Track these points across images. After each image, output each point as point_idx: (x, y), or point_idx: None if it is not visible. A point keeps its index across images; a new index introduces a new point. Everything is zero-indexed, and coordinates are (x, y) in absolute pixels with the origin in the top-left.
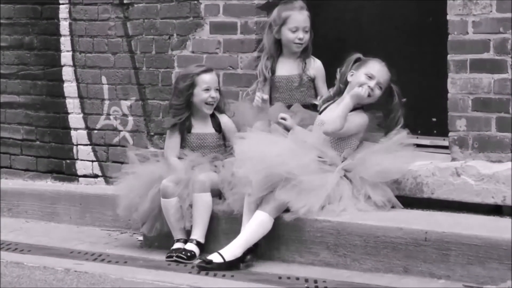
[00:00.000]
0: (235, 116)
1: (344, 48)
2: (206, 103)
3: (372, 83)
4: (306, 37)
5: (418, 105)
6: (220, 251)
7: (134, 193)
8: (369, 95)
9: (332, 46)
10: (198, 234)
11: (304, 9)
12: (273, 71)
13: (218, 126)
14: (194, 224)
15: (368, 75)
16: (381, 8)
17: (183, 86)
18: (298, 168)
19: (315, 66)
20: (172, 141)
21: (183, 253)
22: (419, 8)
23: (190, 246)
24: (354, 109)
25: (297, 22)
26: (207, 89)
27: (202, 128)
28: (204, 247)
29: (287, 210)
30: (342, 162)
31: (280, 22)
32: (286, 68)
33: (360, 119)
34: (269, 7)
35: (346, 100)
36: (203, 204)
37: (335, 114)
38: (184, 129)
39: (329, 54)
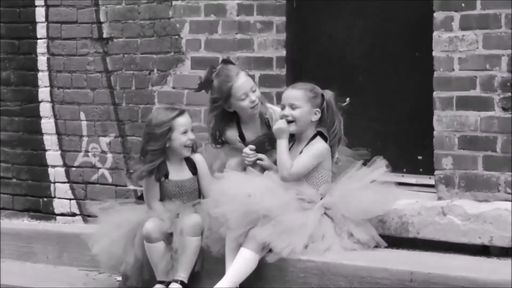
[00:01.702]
0: (206, 157)
1: (326, 84)
2: (185, 146)
3: (286, 111)
4: (257, 94)
5: (403, 143)
6: None
7: (114, 248)
8: (290, 121)
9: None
10: (183, 274)
11: (239, 71)
12: (242, 137)
13: (193, 168)
14: (180, 265)
15: (281, 107)
16: (367, 43)
17: (160, 132)
18: (277, 206)
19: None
20: (152, 189)
21: None
22: (406, 44)
23: (175, 286)
24: (313, 137)
25: (243, 88)
26: (185, 132)
27: (179, 174)
28: None
29: (270, 250)
30: (321, 199)
31: (225, 95)
32: (252, 132)
33: (315, 148)
34: (206, 86)
35: (277, 142)
36: (193, 248)
37: (278, 162)
38: (160, 175)
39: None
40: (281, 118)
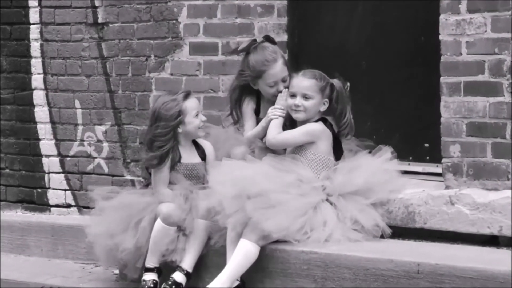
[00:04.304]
0: (210, 141)
1: (329, 70)
2: (199, 128)
3: (297, 101)
4: (286, 84)
5: (409, 130)
6: (208, 286)
7: (112, 229)
8: (297, 110)
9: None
10: (190, 263)
11: (278, 58)
12: (257, 111)
13: (202, 154)
14: (188, 251)
15: (289, 94)
16: (371, 27)
17: (170, 115)
18: (274, 189)
19: None
20: (163, 175)
21: (174, 287)
22: (411, 28)
23: (180, 277)
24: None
25: (274, 77)
26: (197, 114)
27: (189, 158)
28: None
29: (274, 242)
30: (322, 185)
31: (255, 75)
32: (267, 110)
33: (307, 125)
34: (240, 53)
35: (271, 122)
36: (204, 232)
37: (268, 129)
38: (175, 159)
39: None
40: (292, 108)
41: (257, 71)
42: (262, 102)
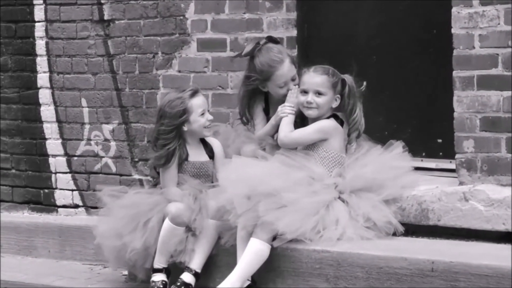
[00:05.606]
0: (221, 139)
1: (339, 65)
2: (205, 127)
3: (309, 98)
4: (295, 83)
5: (422, 126)
6: (218, 287)
7: (119, 228)
8: (309, 107)
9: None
10: (198, 263)
11: (285, 57)
12: (266, 111)
13: (210, 152)
14: (197, 251)
15: (301, 91)
16: (381, 21)
17: (174, 113)
18: (285, 187)
19: None
20: (171, 174)
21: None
22: (422, 21)
23: (188, 278)
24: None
25: (284, 77)
26: (203, 113)
27: (197, 156)
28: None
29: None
30: (334, 183)
31: (263, 78)
32: (276, 110)
33: (319, 123)
34: (244, 57)
35: (283, 119)
36: (213, 232)
37: (280, 127)
38: (182, 157)
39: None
40: (304, 105)
41: (265, 74)
42: (270, 102)
